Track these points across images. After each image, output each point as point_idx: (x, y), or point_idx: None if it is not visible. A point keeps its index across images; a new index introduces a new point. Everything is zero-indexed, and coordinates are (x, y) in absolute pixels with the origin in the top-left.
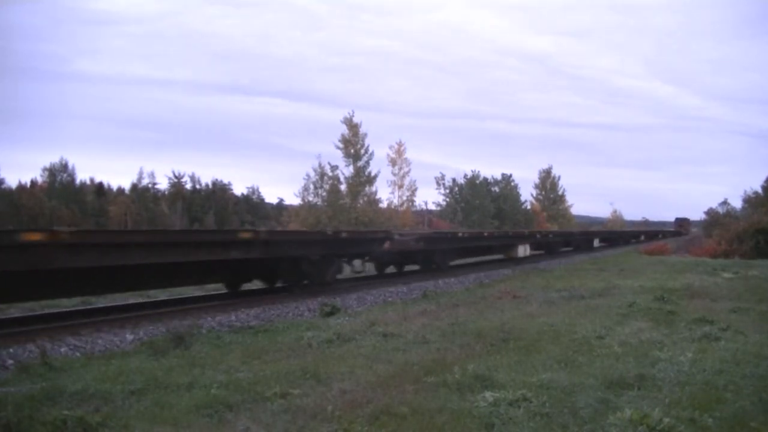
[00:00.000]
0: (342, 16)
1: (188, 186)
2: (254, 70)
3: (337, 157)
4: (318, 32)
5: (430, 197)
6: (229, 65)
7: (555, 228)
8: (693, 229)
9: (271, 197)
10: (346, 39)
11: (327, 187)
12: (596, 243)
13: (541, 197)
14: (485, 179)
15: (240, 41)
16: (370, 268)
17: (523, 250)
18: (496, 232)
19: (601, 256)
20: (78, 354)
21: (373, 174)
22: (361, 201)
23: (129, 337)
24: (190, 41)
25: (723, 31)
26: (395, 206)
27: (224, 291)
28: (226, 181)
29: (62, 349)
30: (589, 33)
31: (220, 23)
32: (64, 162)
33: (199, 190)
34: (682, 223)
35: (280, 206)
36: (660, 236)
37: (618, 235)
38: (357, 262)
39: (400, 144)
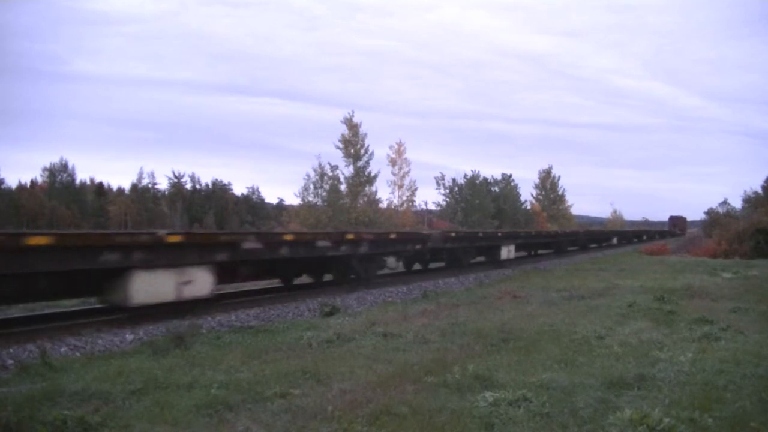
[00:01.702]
0: (340, 16)
1: (188, 186)
2: (253, 70)
3: (337, 157)
4: (316, 32)
5: (430, 197)
6: (227, 65)
7: (556, 228)
8: (692, 229)
9: (271, 197)
10: (344, 39)
11: (327, 187)
12: (507, 253)
13: (541, 197)
14: (485, 179)
15: (238, 41)
16: None
17: (198, 284)
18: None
19: (601, 256)
20: (78, 354)
21: (373, 174)
22: (361, 201)
23: (129, 337)
24: (189, 41)
25: (721, 31)
26: (395, 206)
27: (224, 291)
28: (226, 181)
29: (62, 349)
30: (587, 33)
31: (219, 23)
32: (64, 162)
33: (199, 190)
34: (677, 222)
35: (280, 206)
36: (644, 238)
37: (568, 239)
38: None
39: (400, 144)
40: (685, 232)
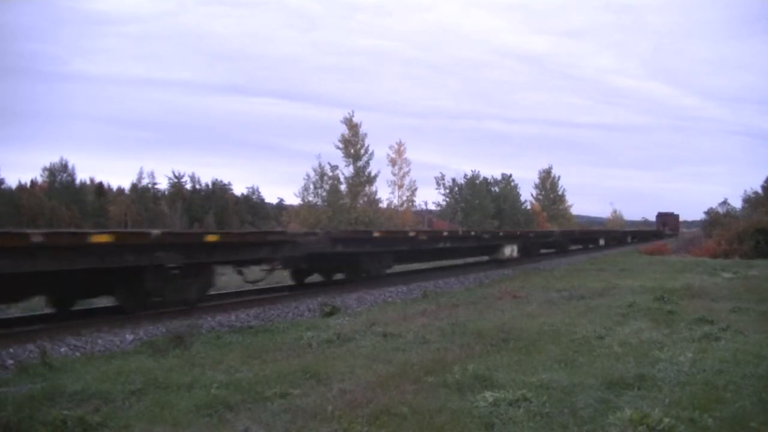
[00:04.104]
0: (339, 16)
1: (188, 186)
2: (252, 70)
3: (337, 157)
4: (315, 32)
5: (430, 197)
6: (227, 65)
7: (556, 228)
8: (692, 229)
9: (271, 197)
10: (343, 39)
11: (327, 187)
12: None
13: (541, 197)
14: (485, 179)
15: (237, 41)
16: None
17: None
18: None
19: (602, 256)
20: (78, 354)
21: (373, 174)
22: (361, 201)
23: (129, 337)
24: (188, 41)
25: (721, 31)
26: (395, 206)
27: (224, 291)
28: (226, 181)
29: (62, 349)
30: (586, 33)
31: (217, 23)
32: (64, 162)
33: (199, 190)
34: (667, 220)
35: (280, 206)
36: (602, 242)
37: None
38: None
39: (400, 144)
40: (678, 231)
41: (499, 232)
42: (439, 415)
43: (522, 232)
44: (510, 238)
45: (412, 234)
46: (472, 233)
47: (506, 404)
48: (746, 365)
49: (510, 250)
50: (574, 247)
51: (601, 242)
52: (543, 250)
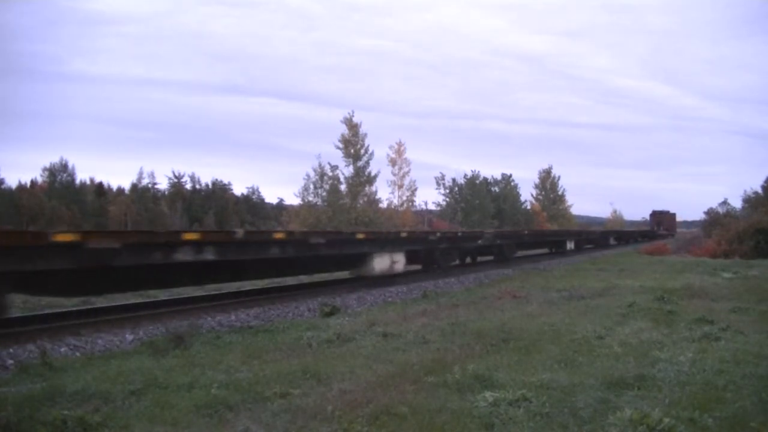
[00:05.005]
0: (338, 16)
1: (188, 186)
2: (251, 70)
3: (337, 157)
4: (314, 32)
5: (430, 197)
6: (226, 65)
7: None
8: (693, 229)
9: (271, 197)
10: (343, 39)
11: (327, 187)
12: None
13: (541, 197)
14: (485, 179)
15: (236, 41)
16: None
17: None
18: None
19: (601, 257)
20: (78, 354)
21: (373, 174)
22: (361, 201)
23: (129, 337)
24: (187, 41)
25: (720, 31)
26: (395, 206)
27: (224, 291)
28: (226, 181)
29: (62, 349)
30: (585, 33)
31: (217, 23)
32: (64, 162)
33: (199, 190)
34: (661, 219)
35: (280, 206)
36: (570, 246)
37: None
38: None
39: (400, 144)
40: (674, 231)
41: (355, 234)
42: (439, 415)
43: (412, 233)
44: (388, 244)
45: (68, 238)
46: (277, 236)
47: (506, 404)
48: (746, 365)
49: (388, 262)
50: (522, 254)
51: (569, 246)
52: (481, 258)
